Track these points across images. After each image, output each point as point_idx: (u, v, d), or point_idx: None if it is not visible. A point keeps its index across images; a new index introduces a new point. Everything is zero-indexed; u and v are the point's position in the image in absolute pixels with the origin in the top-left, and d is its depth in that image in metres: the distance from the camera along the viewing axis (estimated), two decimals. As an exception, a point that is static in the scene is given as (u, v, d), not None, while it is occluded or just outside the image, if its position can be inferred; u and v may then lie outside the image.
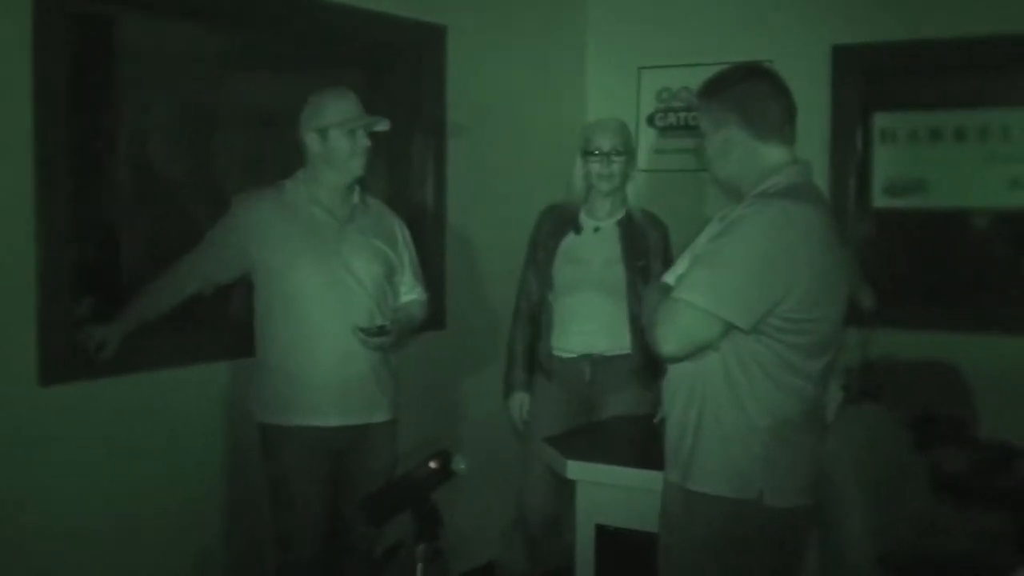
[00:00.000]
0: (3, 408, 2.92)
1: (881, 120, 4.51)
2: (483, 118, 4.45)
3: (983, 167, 4.31)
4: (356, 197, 3.45)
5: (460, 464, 2.08)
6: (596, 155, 3.82)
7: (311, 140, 3.31)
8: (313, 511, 3.33)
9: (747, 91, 2.54)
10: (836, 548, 2.65)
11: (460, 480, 2.20)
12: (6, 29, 2.87)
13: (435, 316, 4.19)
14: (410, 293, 3.59)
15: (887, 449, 2.61)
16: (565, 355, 3.89)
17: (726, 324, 2.37)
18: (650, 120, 4.93)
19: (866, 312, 3.94)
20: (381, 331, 3.32)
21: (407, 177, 4.26)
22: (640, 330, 3.69)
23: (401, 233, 3.59)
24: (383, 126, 3.40)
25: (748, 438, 2.43)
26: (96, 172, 3.46)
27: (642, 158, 4.82)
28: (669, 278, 2.57)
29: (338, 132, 3.29)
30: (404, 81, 4.25)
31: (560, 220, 3.92)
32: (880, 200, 4.52)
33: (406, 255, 3.58)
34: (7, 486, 2.93)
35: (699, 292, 2.37)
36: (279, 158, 3.83)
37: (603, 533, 3.16)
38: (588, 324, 3.85)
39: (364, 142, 3.34)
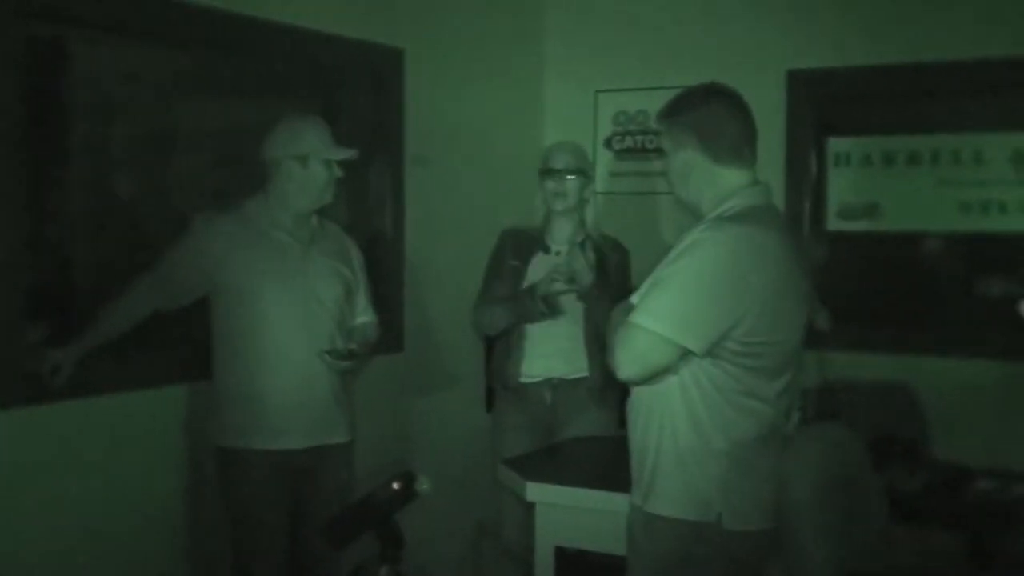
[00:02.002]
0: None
1: (835, 144, 4.56)
2: (441, 141, 4.45)
3: (935, 191, 4.37)
4: (315, 220, 3.46)
5: (423, 485, 2.08)
6: (551, 173, 3.85)
7: (289, 166, 3.32)
8: (275, 534, 3.32)
9: (706, 113, 2.55)
10: (795, 568, 2.67)
11: (421, 502, 2.19)
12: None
13: (393, 339, 4.19)
14: (364, 314, 3.61)
15: (846, 468, 2.63)
16: (527, 380, 3.90)
17: (680, 348, 2.38)
18: (607, 143, 4.96)
19: (822, 334, 3.98)
20: (351, 354, 3.35)
21: (365, 200, 4.25)
22: (598, 351, 3.71)
23: (356, 256, 3.62)
24: (353, 156, 3.44)
25: (706, 461, 2.45)
26: (50, 195, 3.42)
27: (599, 181, 4.84)
28: (635, 299, 2.58)
29: (317, 161, 3.32)
30: (361, 104, 4.24)
31: (523, 242, 3.93)
32: (834, 223, 4.57)
33: (361, 277, 3.61)
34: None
35: (653, 317, 2.39)
36: (234, 180, 3.81)
37: (562, 555, 3.16)
38: (549, 347, 3.85)
39: (337, 171, 3.38)
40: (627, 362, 2.43)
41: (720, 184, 2.54)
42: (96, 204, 3.69)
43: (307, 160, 3.31)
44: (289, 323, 3.28)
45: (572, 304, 3.81)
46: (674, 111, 2.61)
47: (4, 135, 2.93)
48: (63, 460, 3.14)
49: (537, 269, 3.86)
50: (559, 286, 3.70)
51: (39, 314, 3.21)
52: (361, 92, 4.24)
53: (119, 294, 3.28)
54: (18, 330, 3.01)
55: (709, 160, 2.54)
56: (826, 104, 4.56)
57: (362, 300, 3.60)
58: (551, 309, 3.75)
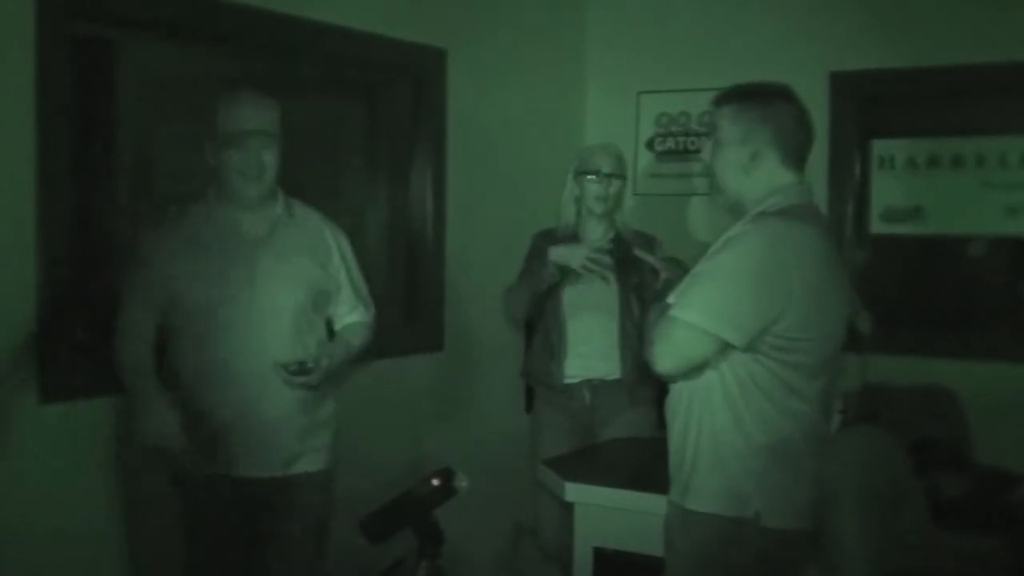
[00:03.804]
0: (3, 425, 2.92)
1: (879, 147, 4.53)
2: (482, 141, 4.47)
3: (980, 194, 4.33)
4: (279, 208, 3.05)
5: (462, 482, 2.08)
6: (595, 176, 3.84)
7: (207, 151, 2.96)
8: (216, 561, 3.02)
9: (782, 111, 2.53)
10: (834, 571, 2.65)
11: (459, 501, 2.20)
12: (9, 53, 2.89)
13: (434, 338, 4.21)
14: (351, 315, 3.20)
15: (887, 471, 2.62)
16: (567, 380, 3.89)
17: (720, 341, 2.38)
18: (649, 145, 4.95)
19: (863, 337, 3.95)
20: (302, 369, 2.93)
21: (406, 199, 4.27)
22: (631, 350, 3.71)
23: (338, 247, 3.16)
24: (267, 146, 2.96)
25: (745, 457, 2.45)
26: (98, 194, 3.47)
27: (640, 182, 4.85)
28: (672, 299, 2.58)
29: (226, 145, 2.92)
30: (404, 104, 4.26)
31: (556, 243, 3.93)
32: (878, 226, 4.54)
33: (343, 273, 3.16)
34: (5, 502, 2.92)
35: (693, 309, 2.39)
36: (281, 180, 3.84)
37: (601, 555, 3.16)
38: (587, 347, 3.85)
39: (257, 159, 2.94)
40: (665, 355, 2.43)
41: (766, 182, 2.52)
42: (142, 204, 3.73)
43: (239, 138, 2.90)
44: (233, 336, 2.91)
45: (610, 302, 3.81)
46: (747, 99, 2.55)
47: (55, 136, 2.97)
48: (104, 454, 3.16)
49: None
50: (562, 252, 3.67)
51: (83, 313, 3.25)
52: (404, 92, 4.26)
53: (121, 350, 2.94)
54: (60, 327, 3.04)
55: (777, 157, 2.51)
56: (870, 106, 4.54)
57: (349, 298, 3.17)
58: (560, 271, 3.71)
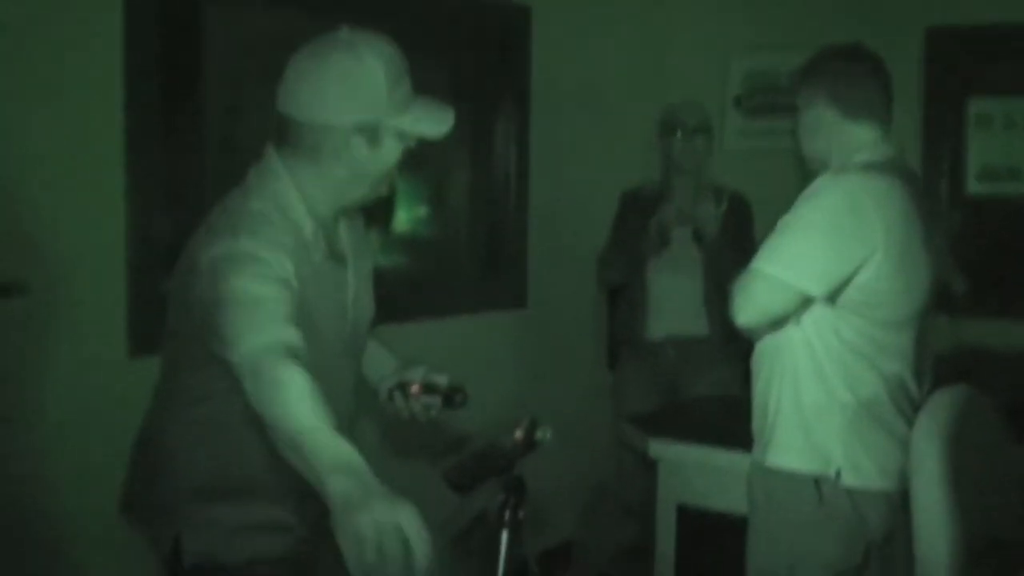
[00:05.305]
0: (93, 378, 2.98)
1: (976, 105, 4.42)
2: (567, 99, 4.44)
3: (1081, 153, 4.22)
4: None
5: (545, 433, 2.08)
6: (679, 132, 3.80)
7: (339, 138, 2.02)
8: None
9: (840, 70, 2.53)
10: (923, 535, 2.60)
11: (540, 456, 2.20)
12: (97, 16, 2.92)
13: (517, 296, 4.21)
14: None
15: (981, 434, 2.55)
16: (652, 337, 3.87)
17: (799, 293, 2.36)
18: (737, 102, 4.87)
19: (957, 298, 3.87)
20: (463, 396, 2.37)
21: (490, 158, 4.27)
22: (717, 306, 3.68)
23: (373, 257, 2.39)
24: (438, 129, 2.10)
25: (828, 414, 2.42)
26: (185, 154, 3.50)
27: (729, 139, 4.78)
28: None
29: (391, 133, 2.04)
30: (488, 62, 4.26)
31: (645, 202, 3.90)
32: (974, 187, 4.44)
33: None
34: (97, 455, 2.98)
35: (771, 261, 2.37)
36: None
37: (684, 513, 3.14)
38: (672, 304, 3.83)
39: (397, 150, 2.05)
40: (745, 308, 2.41)
41: (849, 140, 2.52)
42: (231, 164, 3.76)
43: (377, 129, 2.03)
44: (330, 369, 2.00)
45: (695, 259, 3.77)
46: (809, 68, 2.60)
47: (144, 98, 3.01)
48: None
49: None
50: (668, 216, 3.66)
51: (171, 264, 3.29)
52: (489, 50, 4.25)
53: None
54: (153, 281, 3.09)
55: (839, 115, 2.51)
56: (967, 63, 4.42)
57: None
58: (662, 238, 3.71)
